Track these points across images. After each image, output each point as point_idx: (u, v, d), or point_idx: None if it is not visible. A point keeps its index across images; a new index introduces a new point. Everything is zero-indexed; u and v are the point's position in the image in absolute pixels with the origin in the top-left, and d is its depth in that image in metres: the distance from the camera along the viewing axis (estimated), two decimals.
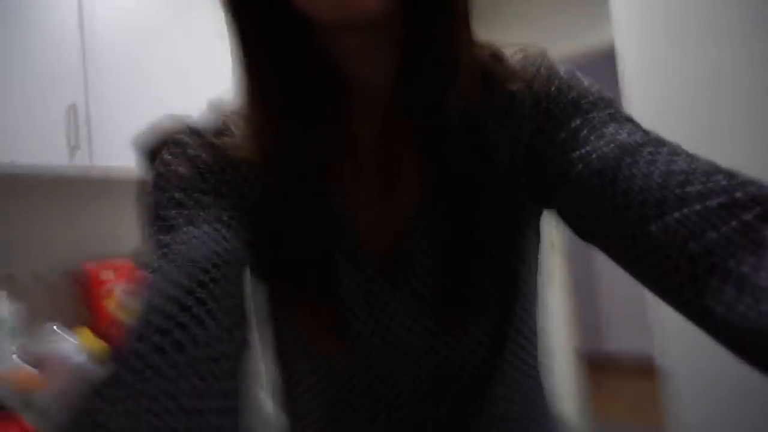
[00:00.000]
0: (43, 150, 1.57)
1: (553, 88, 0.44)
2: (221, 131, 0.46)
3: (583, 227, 0.41)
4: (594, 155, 0.38)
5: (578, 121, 0.41)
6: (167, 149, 0.46)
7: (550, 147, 0.42)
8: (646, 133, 0.39)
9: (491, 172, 0.43)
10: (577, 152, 0.39)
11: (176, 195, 0.42)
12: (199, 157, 0.44)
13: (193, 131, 0.47)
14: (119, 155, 1.72)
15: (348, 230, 0.45)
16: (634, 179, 0.35)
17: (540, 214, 0.49)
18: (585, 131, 0.40)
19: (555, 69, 0.45)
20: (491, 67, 0.46)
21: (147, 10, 1.86)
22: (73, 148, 1.64)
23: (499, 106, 0.44)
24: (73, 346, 0.90)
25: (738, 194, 0.32)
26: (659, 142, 0.37)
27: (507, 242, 0.45)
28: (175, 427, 0.27)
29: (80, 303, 1.81)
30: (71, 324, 1.72)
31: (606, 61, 2.49)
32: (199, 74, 1.97)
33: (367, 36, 0.41)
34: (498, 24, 3.18)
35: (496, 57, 0.46)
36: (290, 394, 0.53)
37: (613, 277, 3.89)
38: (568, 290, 3.02)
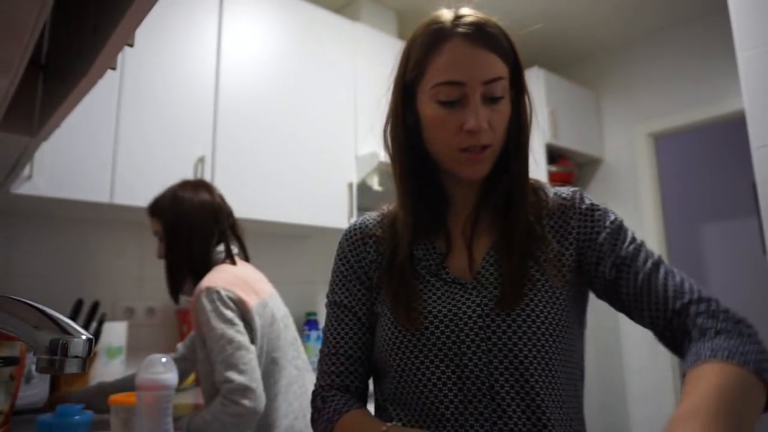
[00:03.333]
0: None
1: (585, 207, 0.76)
2: (381, 224, 0.82)
3: (603, 295, 0.75)
4: (628, 271, 0.71)
5: (607, 241, 0.73)
6: (345, 235, 0.83)
7: (588, 248, 0.74)
8: (647, 253, 0.72)
9: (542, 243, 0.75)
10: (608, 263, 0.72)
11: (337, 282, 0.81)
12: (358, 251, 0.81)
13: (362, 225, 0.82)
14: (238, 207, 1.86)
15: (441, 265, 0.76)
16: (644, 287, 0.69)
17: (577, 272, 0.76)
18: (612, 249, 0.73)
19: (585, 196, 0.78)
20: (540, 190, 0.79)
21: (277, 70, 2.06)
22: None
23: (551, 213, 0.77)
24: (174, 377, 0.96)
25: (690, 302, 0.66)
26: (656, 263, 0.70)
27: (551, 276, 0.73)
28: None
29: (183, 338, 1.93)
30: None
31: (735, 128, 2.38)
32: (319, 138, 2.13)
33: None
34: (632, 91, 3.12)
35: (543, 184, 0.80)
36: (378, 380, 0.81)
37: None
38: None
